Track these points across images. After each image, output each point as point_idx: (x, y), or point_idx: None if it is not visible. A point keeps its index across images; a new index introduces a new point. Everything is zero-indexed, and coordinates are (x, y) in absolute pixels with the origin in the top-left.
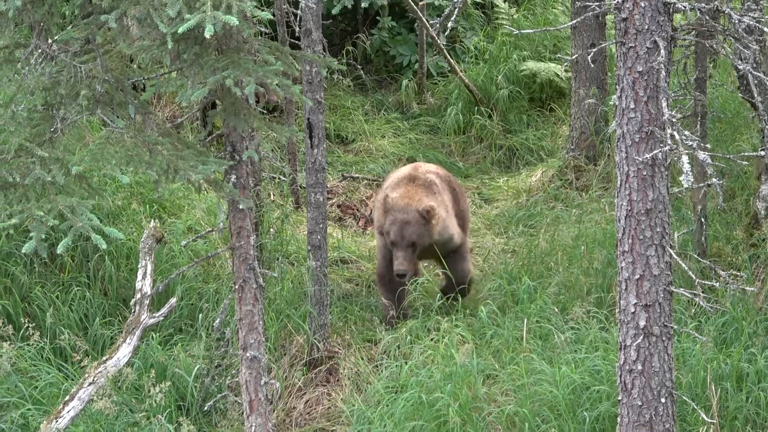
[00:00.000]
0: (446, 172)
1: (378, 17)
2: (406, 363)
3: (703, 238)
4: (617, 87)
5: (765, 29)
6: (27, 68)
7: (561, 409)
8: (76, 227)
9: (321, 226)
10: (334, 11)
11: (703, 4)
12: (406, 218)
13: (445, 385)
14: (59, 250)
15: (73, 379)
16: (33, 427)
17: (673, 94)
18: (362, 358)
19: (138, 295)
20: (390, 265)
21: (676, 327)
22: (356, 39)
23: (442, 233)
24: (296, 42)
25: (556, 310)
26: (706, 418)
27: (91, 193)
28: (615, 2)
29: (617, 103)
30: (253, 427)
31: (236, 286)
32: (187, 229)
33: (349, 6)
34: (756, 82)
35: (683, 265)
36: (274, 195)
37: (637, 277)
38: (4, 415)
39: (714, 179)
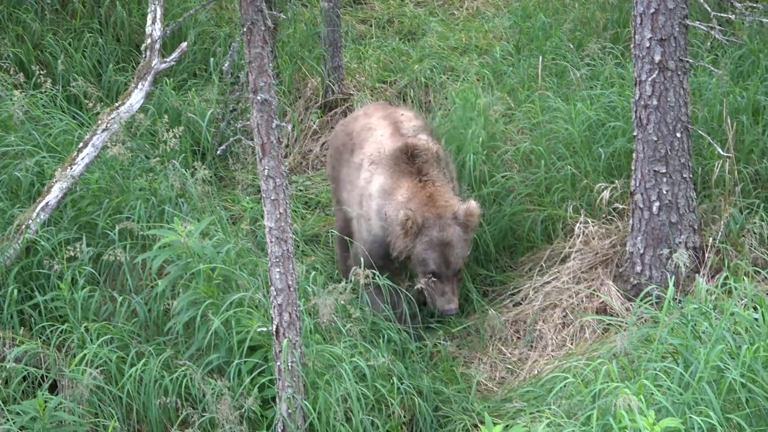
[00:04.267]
0: (422, 118)
1: None
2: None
3: None
4: None
5: None
6: None
7: (576, 146)
8: None
9: None
10: None
11: None
12: (446, 238)
13: (464, 125)
14: None
15: (86, 126)
16: (48, 174)
17: None
18: (377, 100)
19: (148, 40)
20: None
21: (691, 61)
22: None
23: None
24: None
25: (572, 46)
26: (721, 152)
27: None
28: None
29: None
30: (266, 170)
31: (245, 29)
32: None
33: None
34: None
35: None
36: None
37: (652, 11)
38: (20, 163)
39: None
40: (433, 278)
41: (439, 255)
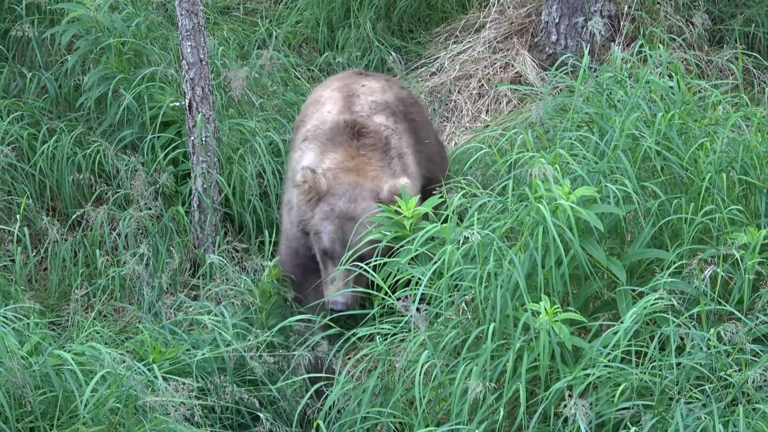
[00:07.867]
0: (397, 90)
1: None
2: None
3: None
4: None
5: None
6: None
7: None
8: None
9: None
10: None
11: None
12: (352, 212)
13: None
14: None
15: None
16: None
17: None
18: None
19: None
20: (303, 261)
21: None
22: None
23: None
24: None
25: None
26: None
27: None
28: None
29: None
30: None
31: None
32: None
33: None
34: None
35: None
36: None
37: None
38: None
39: None
40: (327, 259)
41: (337, 229)
